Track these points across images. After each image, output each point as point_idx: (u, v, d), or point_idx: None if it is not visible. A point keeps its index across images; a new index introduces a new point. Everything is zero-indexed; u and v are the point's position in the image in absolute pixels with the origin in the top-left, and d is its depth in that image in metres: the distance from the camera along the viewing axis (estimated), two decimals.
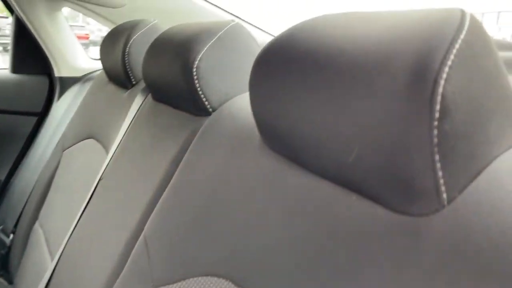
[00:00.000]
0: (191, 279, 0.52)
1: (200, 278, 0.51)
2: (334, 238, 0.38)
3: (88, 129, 1.10)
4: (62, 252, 0.84)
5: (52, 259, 0.91)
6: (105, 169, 0.86)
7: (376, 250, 0.35)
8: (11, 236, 1.24)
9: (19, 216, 1.24)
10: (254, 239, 0.46)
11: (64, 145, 1.18)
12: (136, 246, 0.62)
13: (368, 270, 0.35)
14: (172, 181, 0.62)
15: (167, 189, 0.62)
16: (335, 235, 0.38)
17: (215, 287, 0.48)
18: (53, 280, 0.84)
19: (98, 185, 0.85)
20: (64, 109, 1.37)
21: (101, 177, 0.85)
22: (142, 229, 0.64)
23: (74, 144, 1.13)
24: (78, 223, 0.83)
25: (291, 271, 0.41)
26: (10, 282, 1.25)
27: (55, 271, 0.84)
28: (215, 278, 0.49)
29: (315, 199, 0.42)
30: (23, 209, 1.24)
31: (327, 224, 0.39)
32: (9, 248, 1.24)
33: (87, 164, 1.02)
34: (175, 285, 0.53)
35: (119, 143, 0.86)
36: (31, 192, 1.24)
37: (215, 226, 0.51)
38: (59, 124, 1.32)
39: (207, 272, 0.50)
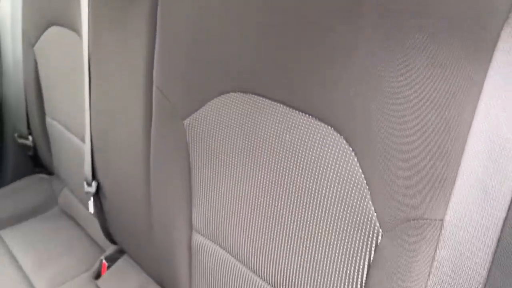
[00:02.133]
0: (209, 102, 0.65)
1: (216, 99, 0.64)
2: None
3: (46, 17, 1.11)
4: (91, 131, 0.96)
5: (82, 141, 1.04)
6: (88, 46, 0.92)
7: None
8: (30, 137, 1.35)
9: (27, 118, 1.33)
10: (254, 44, 0.56)
11: (30, 41, 1.20)
12: (153, 98, 0.74)
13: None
14: (158, 32, 0.70)
15: (157, 39, 0.71)
16: None
17: (236, 102, 0.61)
18: (95, 158, 0.98)
19: (91, 63, 0.92)
20: (10, 4, 1.34)
21: (89, 55, 0.91)
22: (151, 83, 0.74)
23: (39, 37, 1.15)
24: (91, 101, 0.93)
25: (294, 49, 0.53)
26: (50, 173, 1.42)
27: (93, 148, 0.97)
28: (234, 94, 0.61)
29: None
30: (26, 111, 1.33)
31: None
32: (34, 147, 1.37)
33: (64, 51, 1.07)
34: (199, 111, 0.66)
35: (88, 19, 0.90)
36: (25, 94, 1.31)
37: (218, 48, 0.61)
38: (13, 21, 1.30)
39: (222, 91, 0.62)
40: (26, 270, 1.05)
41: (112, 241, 1.10)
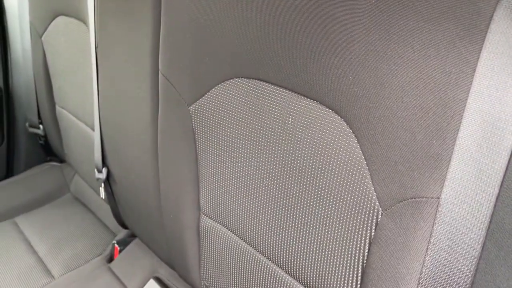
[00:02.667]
0: (213, 88, 0.66)
1: (220, 85, 0.65)
2: None
3: (53, 7, 1.12)
4: (99, 119, 0.98)
5: (92, 129, 1.06)
6: (95, 35, 0.93)
7: None
8: (41, 126, 1.38)
9: (38, 108, 1.36)
10: (257, 30, 0.58)
11: (38, 32, 1.22)
12: (159, 85, 0.76)
13: None
14: (162, 21, 0.71)
15: (162, 27, 0.72)
16: None
17: (240, 88, 0.63)
18: (105, 145, 1.01)
19: (98, 52, 0.94)
20: None
21: (96, 44, 0.93)
22: (157, 70, 0.76)
23: (47, 28, 1.17)
24: (99, 89, 0.95)
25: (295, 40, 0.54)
26: (61, 161, 1.46)
27: (103, 136, 1.00)
28: (237, 80, 0.62)
29: None
30: (37, 101, 1.35)
31: None
32: (45, 136, 1.40)
33: (71, 41, 1.09)
34: (204, 97, 0.68)
35: (94, 9, 0.91)
36: (35, 84, 1.33)
37: (221, 34, 0.63)
38: (21, 13, 1.32)
39: (226, 77, 0.64)
40: (41, 255, 1.08)
41: (123, 225, 1.13)
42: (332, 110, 0.52)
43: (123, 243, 1.11)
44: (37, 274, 1.03)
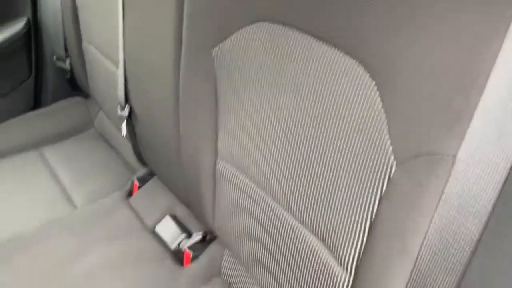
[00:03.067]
0: (238, 31, 0.65)
1: (245, 28, 0.64)
2: None
3: None
4: (124, 56, 0.98)
5: (116, 67, 1.07)
6: None
7: None
8: (67, 60, 1.40)
9: (65, 42, 1.37)
10: None
11: None
12: (184, 25, 0.75)
13: None
14: None
15: None
16: None
17: (265, 32, 0.61)
18: (128, 83, 1.02)
19: None
20: None
21: None
22: (182, 10, 0.75)
23: None
24: (125, 27, 0.95)
25: None
26: (86, 96, 1.48)
27: (126, 73, 1.00)
28: (262, 23, 0.61)
29: None
30: (64, 35, 1.36)
31: None
32: (71, 71, 1.42)
33: None
34: (228, 40, 0.67)
35: None
36: (62, 19, 1.33)
37: None
38: None
39: (252, 20, 0.62)
40: (65, 185, 1.13)
41: (143, 163, 1.17)
42: (356, 61, 0.51)
43: (142, 180, 1.14)
44: (60, 204, 1.08)
